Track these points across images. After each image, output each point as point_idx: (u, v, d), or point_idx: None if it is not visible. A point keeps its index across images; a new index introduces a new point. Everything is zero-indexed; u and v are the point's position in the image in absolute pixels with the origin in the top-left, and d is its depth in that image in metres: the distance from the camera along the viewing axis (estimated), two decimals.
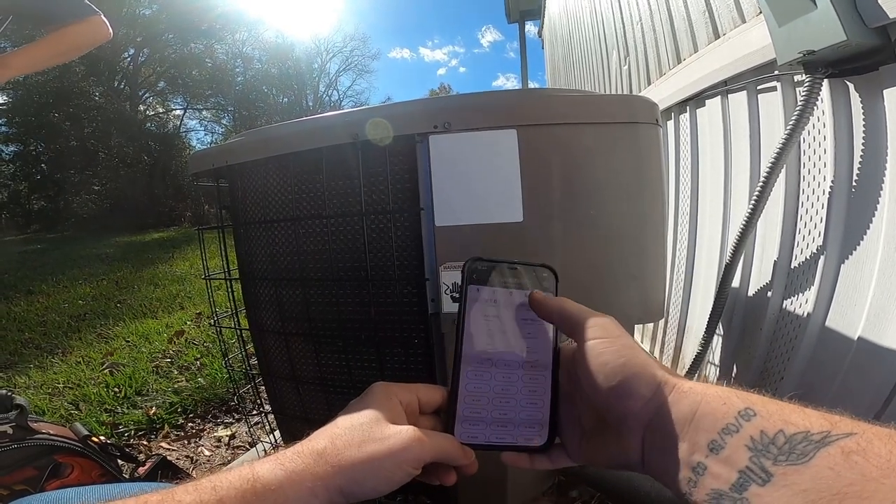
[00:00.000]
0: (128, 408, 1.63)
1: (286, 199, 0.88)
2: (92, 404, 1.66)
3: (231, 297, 1.02)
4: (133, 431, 1.48)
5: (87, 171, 13.04)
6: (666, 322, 1.58)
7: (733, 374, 1.16)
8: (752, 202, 0.96)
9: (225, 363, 1.09)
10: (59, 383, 1.91)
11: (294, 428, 1.09)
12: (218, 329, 1.05)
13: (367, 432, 0.35)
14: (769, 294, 1.03)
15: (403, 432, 0.35)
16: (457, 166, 0.71)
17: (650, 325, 1.72)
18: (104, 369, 2.03)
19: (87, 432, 0.86)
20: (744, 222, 0.99)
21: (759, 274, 1.08)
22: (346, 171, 0.80)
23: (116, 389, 1.79)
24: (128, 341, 2.51)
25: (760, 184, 0.94)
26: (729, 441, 0.26)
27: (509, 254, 0.71)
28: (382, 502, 0.96)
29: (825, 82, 0.83)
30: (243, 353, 1.08)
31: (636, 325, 1.59)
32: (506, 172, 0.70)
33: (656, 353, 1.66)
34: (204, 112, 18.64)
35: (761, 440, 0.25)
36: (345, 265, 0.84)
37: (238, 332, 1.03)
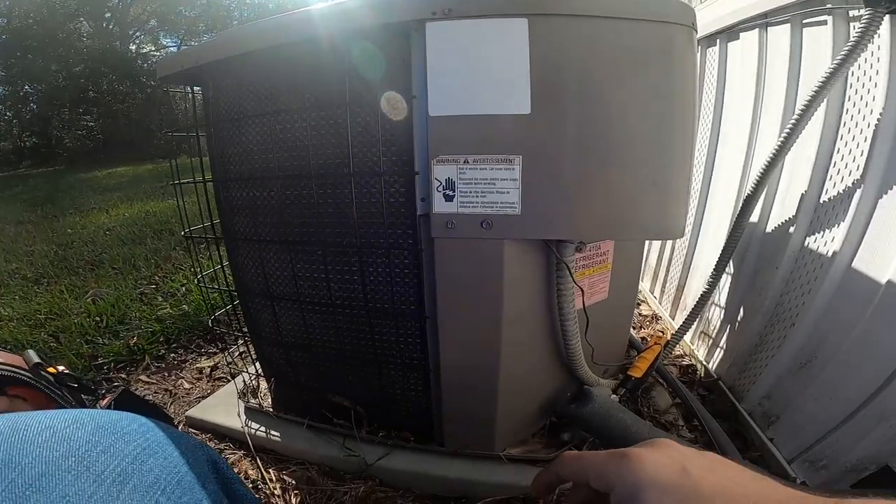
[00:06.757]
0: (109, 338, 1.58)
1: (262, 94, 0.81)
2: (72, 335, 1.61)
3: (202, 204, 0.95)
4: (112, 363, 1.43)
5: (79, 109, 12.76)
6: (670, 258, 1.50)
7: (739, 318, 1.09)
8: (785, 133, 0.87)
9: (198, 281, 1.03)
10: (41, 314, 1.86)
11: (272, 355, 1.03)
12: (191, 240, 0.98)
13: None
14: (791, 230, 0.94)
15: None
16: (457, 56, 0.63)
17: (652, 261, 1.65)
18: (87, 298, 1.98)
19: (38, 360, 0.78)
20: (772, 154, 0.90)
21: (783, 208, 0.98)
22: (328, 63, 0.71)
23: (98, 319, 1.74)
24: (115, 268, 2.45)
25: (796, 115, 0.84)
26: None
27: (512, 149, 0.64)
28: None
29: (886, 18, 0.73)
30: (220, 267, 1.02)
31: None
32: (513, 63, 0.61)
33: (657, 292, 1.59)
34: None
35: None
36: (325, 161, 0.77)
37: (208, 241, 0.98)
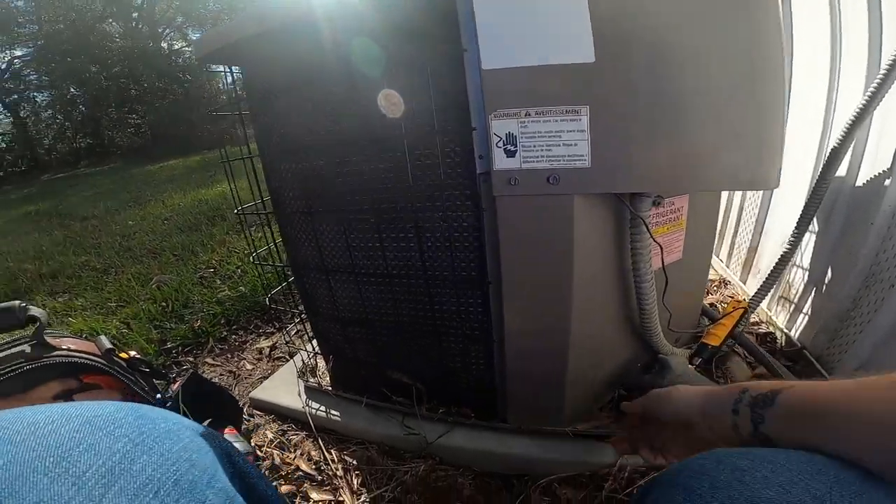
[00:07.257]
0: (175, 322, 1.65)
1: (305, 64, 0.78)
2: (142, 321, 1.68)
3: (252, 182, 0.95)
4: (180, 347, 1.49)
5: (124, 108, 13.33)
6: (738, 218, 1.40)
7: (826, 280, 0.99)
8: (875, 84, 0.77)
9: (253, 259, 1.05)
10: (111, 302, 1.96)
11: (328, 331, 1.03)
12: (243, 218, 0.98)
13: None
14: (887, 182, 0.83)
15: None
16: (507, 4, 0.58)
17: (719, 223, 1.54)
18: (153, 284, 2.07)
19: (109, 345, 0.81)
20: (861, 106, 0.80)
21: (874, 161, 0.88)
22: (372, 24, 0.69)
23: (164, 304, 1.81)
24: (175, 255, 2.55)
25: (885, 68, 0.74)
26: (740, 407, 0.44)
27: (578, 100, 0.59)
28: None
29: None
30: (273, 244, 1.02)
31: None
32: (572, 9, 0.56)
33: (723, 255, 1.49)
34: None
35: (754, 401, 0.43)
36: (375, 125, 0.74)
37: (261, 219, 0.98)
